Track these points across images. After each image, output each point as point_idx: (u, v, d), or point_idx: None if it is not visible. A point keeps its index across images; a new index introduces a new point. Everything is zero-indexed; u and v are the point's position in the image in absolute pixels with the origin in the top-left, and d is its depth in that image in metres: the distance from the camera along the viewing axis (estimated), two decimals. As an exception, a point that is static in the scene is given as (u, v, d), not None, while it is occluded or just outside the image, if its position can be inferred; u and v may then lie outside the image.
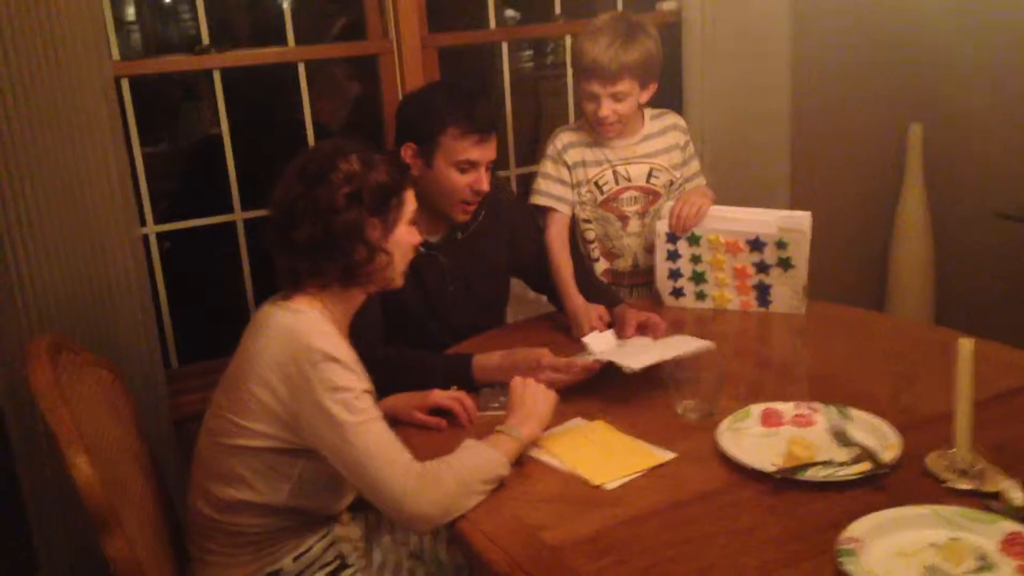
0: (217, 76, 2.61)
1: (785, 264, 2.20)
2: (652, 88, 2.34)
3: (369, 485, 1.48)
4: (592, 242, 2.47)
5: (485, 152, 2.10)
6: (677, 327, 2.20)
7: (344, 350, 1.55)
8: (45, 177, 2.23)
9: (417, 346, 2.10)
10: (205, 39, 2.59)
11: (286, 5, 2.69)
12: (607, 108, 2.27)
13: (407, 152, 2.11)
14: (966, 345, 1.42)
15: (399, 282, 1.73)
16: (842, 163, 3.40)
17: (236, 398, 1.55)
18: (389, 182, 1.65)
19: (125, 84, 2.47)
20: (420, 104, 2.14)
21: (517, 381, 1.71)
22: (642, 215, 2.41)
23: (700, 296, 2.32)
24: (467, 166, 2.09)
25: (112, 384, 1.62)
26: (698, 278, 2.30)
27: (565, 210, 2.39)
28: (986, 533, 1.31)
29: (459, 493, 1.48)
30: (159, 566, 1.51)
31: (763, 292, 2.25)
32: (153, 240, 2.60)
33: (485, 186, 2.12)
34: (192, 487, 1.63)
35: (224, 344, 1.80)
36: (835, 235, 3.48)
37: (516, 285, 2.49)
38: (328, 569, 1.67)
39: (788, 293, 2.23)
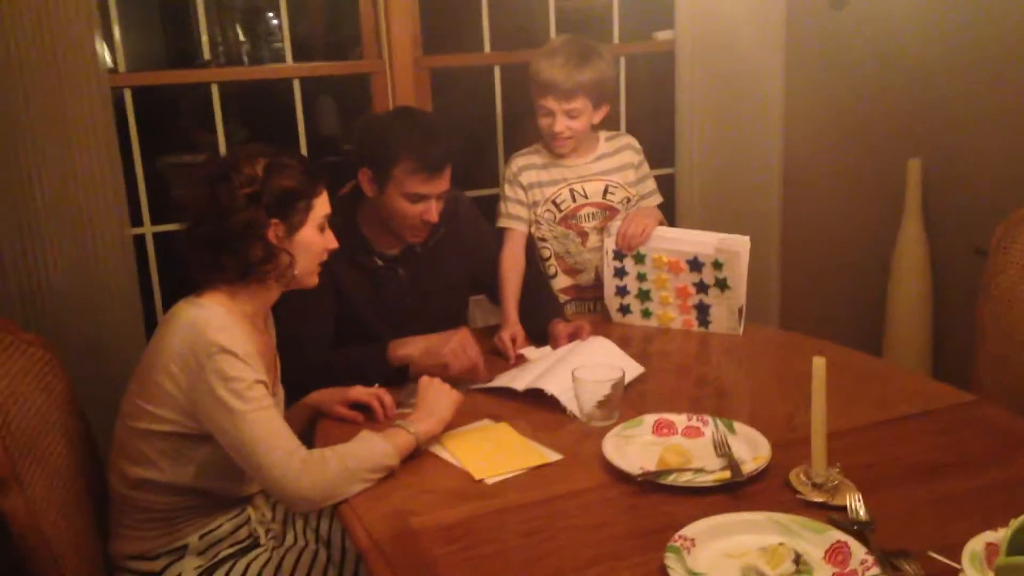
0: (215, 89, 2.77)
1: (722, 285, 2.26)
2: (605, 109, 2.44)
3: (254, 467, 1.59)
4: (548, 259, 2.57)
5: (435, 186, 2.17)
6: (623, 343, 2.28)
7: (240, 343, 1.63)
8: (42, 178, 2.42)
9: None
10: (206, 54, 2.77)
11: (285, 23, 2.85)
12: (561, 124, 2.38)
13: (363, 176, 2.21)
14: (819, 364, 1.47)
15: (311, 281, 1.83)
16: (838, 198, 3.40)
17: (144, 385, 1.66)
18: (295, 186, 1.72)
19: (128, 94, 2.66)
20: (378, 133, 2.21)
21: (424, 380, 1.82)
22: (601, 231, 2.50)
23: (645, 314, 2.39)
24: (417, 198, 2.17)
25: (46, 362, 1.76)
26: (644, 296, 2.37)
27: (520, 227, 2.50)
28: (814, 541, 1.36)
29: (342, 479, 1.58)
30: (71, 531, 1.64)
31: (703, 312, 2.32)
32: (150, 239, 2.77)
33: (434, 217, 2.20)
34: (109, 466, 1.76)
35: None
36: (832, 270, 3.50)
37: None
38: (239, 547, 1.78)
39: (725, 314, 2.29)
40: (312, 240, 1.78)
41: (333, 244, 1.85)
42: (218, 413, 1.60)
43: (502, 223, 2.52)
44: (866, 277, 3.40)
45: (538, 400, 1.92)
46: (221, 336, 1.62)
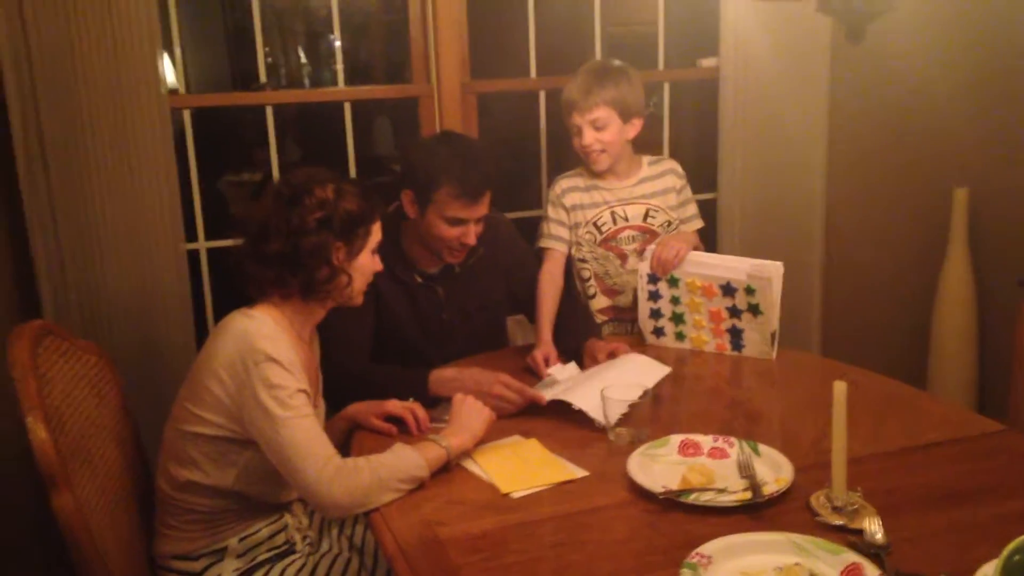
0: (269, 111, 2.88)
1: (754, 310, 2.28)
2: (637, 123, 2.51)
3: (290, 471, 1.66)
4: (588, 280, 2.61)
5: (474, 211, 2.25)
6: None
7: (286, 354, 1.72)
8: (104, 193, 2.54)
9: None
10: (263, 77, 2.88)
11: (339, 46, 2.95)
12: (589, 136, 2.46)
13: (406, 197, 2.29)
14: (840, 388, 1.50)
15: (358, 300, 1.92)
16: (882, 225, 3.39)
17: (194, 390, 1.76)
18: (358, 212, 1.83)
19: (187, 115, 2.78)
20: (422, 157, 2.29)
21: (458, 397, 1.88)
22: (640, 253, 2.54)
23: (679, 336, 2.42)
24: (456, 222, 2.25)
25: (100, 368, 1.86)
26: (677, 319, 2.40)
27: (560, 248, 2.55)
28: (830, 562, 1.38)
29: (373, 488, 1.65)
30: (115, 531, 1.72)
31: (736, 336, 2.34)
32: (204, 254, 2.88)
33: (471, 240, 2.28)
34: (158, 468, 1.85)
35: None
36: (875, 298, 3.48)
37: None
38: (275, 552, 1.85)
39: (758, 339, 2.31)
40: (367, 263, 1.89)
41: (379, 267, 1.95)
42: (260, 418, 1.67)
43: (542, 243, 2.57)
44: (910, 306, 3.38)
45: (568, 418, 1.96)
46: (268, 345, 1.70)
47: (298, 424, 1.67)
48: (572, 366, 2.23)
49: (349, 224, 1.82)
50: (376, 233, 1.90)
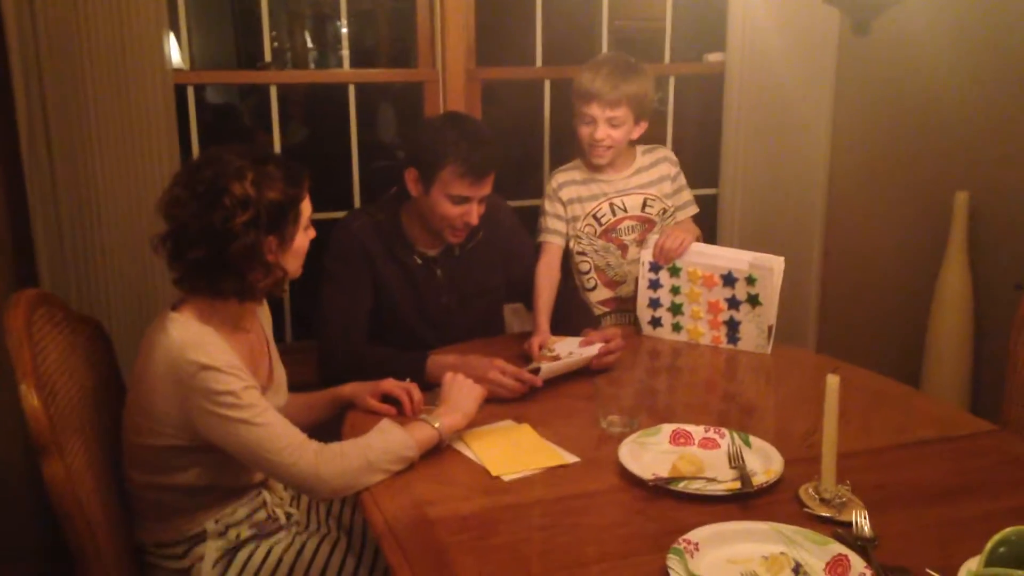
0: (273, 92, 2.88)
1: (753, 301, 2.29)
2: (643, 126, 2.52)
3: (269, 469, 1.65)
4: (587, 273, 2.62)
5: (478, 190, 2.26)
6: (651, 357, 2.36)
7: (221, 356, 1.62)
8: (105, 168, 2.53)
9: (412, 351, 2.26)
10: (268, 57, 2.88)
11: (345, 30, 2.96)
12: (603, 131, 2.46)
13: (410, 176, 2.29)
14: (833, 381, 1.50)
15: (296, 276, 1.82)
16: (882, 225, 3.39)
17: (140, 402, 1.68)
18: (284, 199, 1.69)
19: (191, 91, 2.78)
20: (428, 136, 2.29)
21: (449, 376, 1.88)
22: (640, 243, 2.55)
23: (676, 328, 2.43)
24: (460, 200, 2.25)
25: (95, 340, 1.86)
26: (675, 309, 2.41)
27: (557, 241, 2.57)
28: (816, 553, 1.38)
29: (363, 469, 1.64)
30: (107, 502, 1.71)
31: (732, 328, 2.35)
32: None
33: (474, 219, 2.28)
34: (122, 468, 1.79)
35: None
36: (872, 298, 3.48)
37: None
38: (259, 528, 1.83)
39: (754, 332, 2.31)
40: (302, 243, 1.79)
41: (313, 234, 1.83)
42: (218, 427, 1.62)
43: (540, 237, 2.58)
44: (907, 307, 3.38)
45: (561, 405, 1.98)
46: (199, 354, 1.61)
47: (258, 422, 1.63)
48: (570, 340, 2.25)
49: (278, 214, 1.68)
50: (306, 209, 1.76)
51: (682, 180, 2.64)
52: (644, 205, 2.58)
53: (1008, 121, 3.11)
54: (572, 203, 2.57)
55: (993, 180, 3.28)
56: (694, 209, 2.64)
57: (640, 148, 2.62)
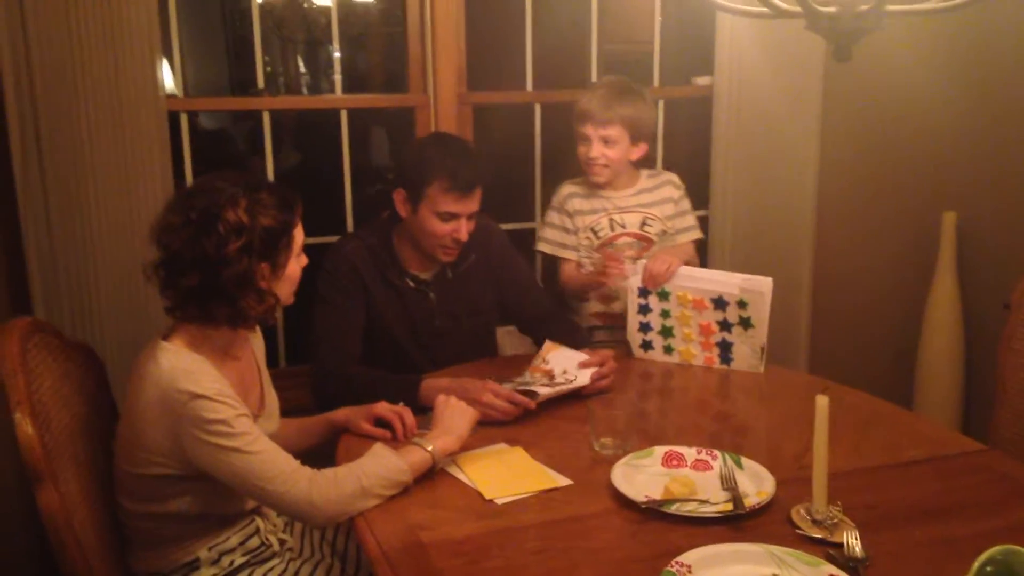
0: (266, 118, 2.89)
1: (745, 323, 2.31)
2: (643, 147, 2.58)
3: (263, 497, 1.65)
4: (585, 286, 2.65)
5: (466, 206, 2.28)
6: (644, 378, 2.37)
7: (212, 385, 1.62)
8: (99, 194, 2.54)
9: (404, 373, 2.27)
10: (260, 83, 2.90)
11: (337, 55, 2.98)
12: (597, 150, 2.53)
13: (398, 196, 2.32)
14: (822, 402, 1.51)
15: (288, 303, 1.83)
16: (871, 246, 3.41)
17: (131, 432, 1.67)
18: (277, 226, 1.69)
19: (184, 118, 2.79)
20: (415, 155, 2.34)
21: (441, 398, 1.89)
22: (636, 260, 2.56)
23: (668, 350, 2.44)
24: (448, 216, 2.27)
25: (88, 368, 1.86)
26: (666, 332, 2.42)
27: (572, 255, 2.64)
28: (808, 574, 1.40)
29: (356, 495, 1.64)
30: (101, 529, 1.71)
31: (725, 349, 2.36)
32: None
33: (463, 236, 2.30)
34: (115, 495, 1.78)
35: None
36: (863, 319, 3.50)
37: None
38: (253, 555, 1.82)
39: (747, 352, 2.33)
40: (294, 270, 1.79)
41: (305, 261, 1.84)
42: (210, 456, 1.62)
43: (546, 249, 2.66)
44: (898, 327, 3.40)
45: (553, 427, 1.99)
46: (190, 383, 1.61)
47: (250, 450, 1.63)
48: (566, 353, 2.27)
49: (271, 241, 1.69)
50: (298, 236, 1.78)
51: (686, 205, 2.70)
52: (643, 224, 2.64)
53: (994, 142, 3.14)
54: (576, 215, 2.65)
55: (980, 200, 3.31)
56: (696, 234, 2.70)
57: (646, 172, 2.70)
